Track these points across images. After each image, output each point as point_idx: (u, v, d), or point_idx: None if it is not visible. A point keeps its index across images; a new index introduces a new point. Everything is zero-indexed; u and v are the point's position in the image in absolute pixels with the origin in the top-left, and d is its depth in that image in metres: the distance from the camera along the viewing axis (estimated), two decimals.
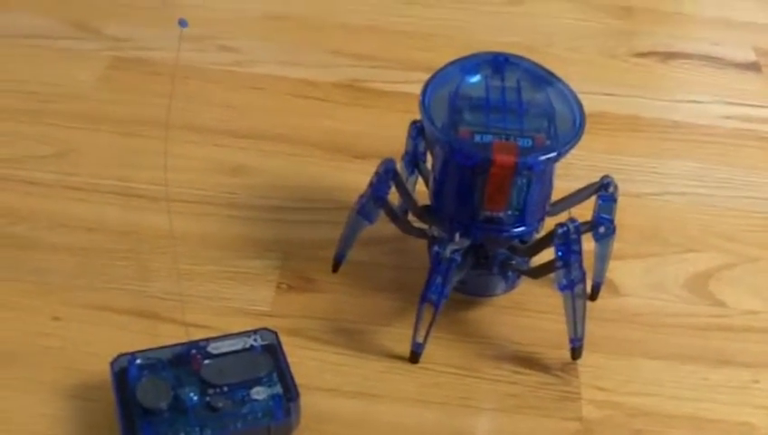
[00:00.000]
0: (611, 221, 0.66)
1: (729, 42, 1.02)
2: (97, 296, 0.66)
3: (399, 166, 0.68)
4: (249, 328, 0.60)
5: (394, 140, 0.72)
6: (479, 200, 0.62)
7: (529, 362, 0.64)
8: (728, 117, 0.91)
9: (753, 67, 0.99)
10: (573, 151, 0.61)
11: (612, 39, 1.01)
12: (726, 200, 0.80)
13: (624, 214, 0.70)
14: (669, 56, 0.99)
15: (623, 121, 0.89)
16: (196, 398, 0.56)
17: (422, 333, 0.62)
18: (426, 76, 0.64)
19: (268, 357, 0.58)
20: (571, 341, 0.63)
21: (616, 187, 0.66)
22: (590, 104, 0.63)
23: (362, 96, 0.88)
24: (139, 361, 0.57)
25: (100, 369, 0.58)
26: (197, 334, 0.59)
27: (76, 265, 0.68)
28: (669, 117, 0.90)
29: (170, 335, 0.61)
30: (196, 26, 0.90)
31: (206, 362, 0.57)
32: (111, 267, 0.68)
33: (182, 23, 0.60)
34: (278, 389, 0.57)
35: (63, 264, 0.68)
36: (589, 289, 0.68)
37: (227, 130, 0.82)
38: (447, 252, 0.61)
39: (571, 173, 0.72)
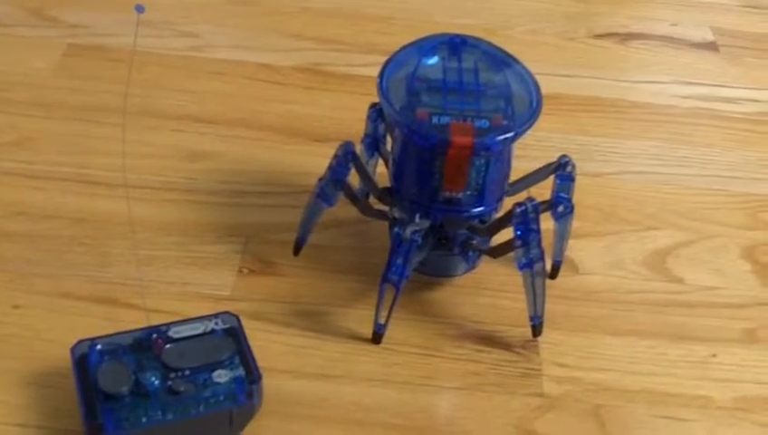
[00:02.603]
0: (570, 200, 0.66)
1: (687, 22, 1.03)
2: (57, 283, 0.65)
3: (359, 149, 0.68)
4: (210, 312, 0.60)
5: (354, 123, 0.72)
6: (438, 181, 0.62)
7: (490, 340, 0.65)
8: (686, 96, 0.91)
9: (711, 47, 1.00)
10: (532, 132, 0.62)
11: (571, 21, 1.01)
12: (684, 179, 0.81)
13: (583, 193, 0.70)
14: (627, 37, 1.00)
15: (582, 102, 0.89)
16: (157, 382, 0.55)
17: (384, 313, 0.62)
18: (386, 59, 0.64)
19: (230, 340, 0.58)
20: (532, 319, 0.64)
21: (574, 166, 0.66)
22: (548, 86, 0.64)
23: (322, 80, 0.88)
24: (99, 346, 0.57)
25: (61, 355, 0.57)
26: (158, 320, 0.59)
27: (35, 252, 0.68)
28: (628, 97, 0.91)
29: (131, 321, 0.61)
30: (154, 12, 0.90)
31: (168, 346, 0.57)
32: (71, 254, 0.68)
33: (139, 8, 0.59)
34: (240, 371, 0.57)
35: (22, 251, 0.68)
36: (549, 268, 0.68)
37: (186, 116, 0.81)
38: (407, 233, 0.61)
39: (529, 154, 0.73)
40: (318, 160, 0.68)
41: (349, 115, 0.82)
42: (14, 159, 0.76)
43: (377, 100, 0.64)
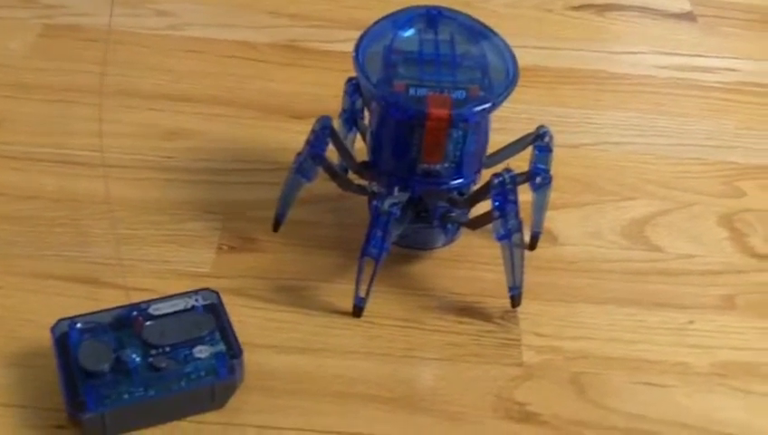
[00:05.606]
0: (548, 171, 0.67)
1: None
2: (36, 264, 0.65)
3: (337, 123, 0.68)
4: (190, 289, 0.60)
5: (332, 99, 0.72)
6: (416, 154, 0.62)
7: (470, 311, 0.65)
8: (663, 67, 0.92)
9: (688, 17, 1.00)
10: (510, 105, 0.62)
11: None
12: (661, 148, 0.81)
13: (561, 164, 0.71)
14: (605, 8, 1.00)
15: (560, 74, 0.89)
16: (138, 359, 0.55)
17: (364, 287, 0.63)
18: (361, 32, 0.64)
19: (210, 316, 0.58)
20: (510, 289, 0.64)
21: (551, 137, 0.67)
22: (526, 58, 0.64)
23: (300, 56, 0.88)
24: (79, 325, 0.57)
25: (42, 335, 0.57)
26: (138, 297, 0.59)
27: (14, 233, 0.68)
28: (605, 68, 0.91)
29: (111, 300, 0.60)
30: None
31: (148, 323, 0.57)
32: (50, 235, 0.68)
33: None
34: (221, 347, 0.57)
35: (1, 233, 0.67)
36: (528, 239, 0.69)
37: (163, 94, 0.81)
38: (386, 205, 0.61)
39: (507, 127, 0.73)
40: (296, 137, 0.68)
41: (327, 91, 0.82)
42: None
43: (354, 75, 0.64)
